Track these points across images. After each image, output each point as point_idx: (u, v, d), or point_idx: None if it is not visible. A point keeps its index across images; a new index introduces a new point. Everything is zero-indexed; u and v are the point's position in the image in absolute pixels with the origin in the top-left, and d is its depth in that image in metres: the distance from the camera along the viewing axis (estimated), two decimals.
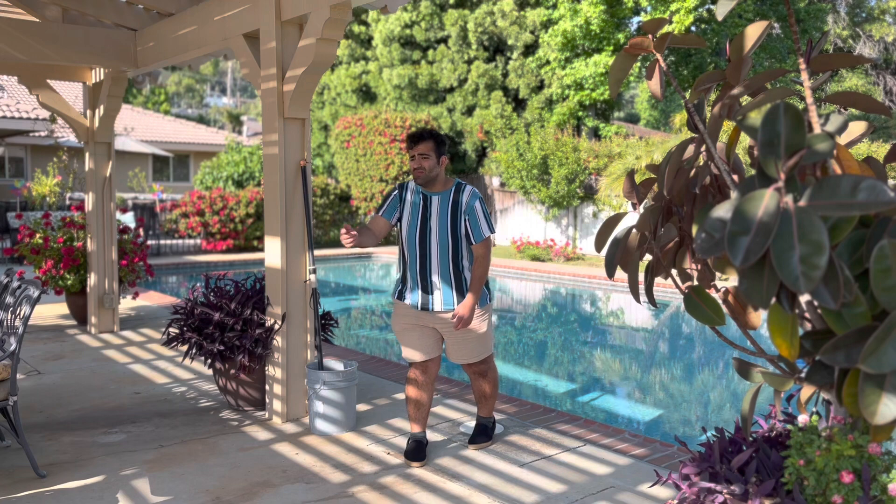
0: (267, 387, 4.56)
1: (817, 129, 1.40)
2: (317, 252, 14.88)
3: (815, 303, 1.36)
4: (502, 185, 17.74)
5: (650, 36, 1.63)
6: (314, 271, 4.48)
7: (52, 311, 8.27)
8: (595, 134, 18.75)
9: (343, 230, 3.63)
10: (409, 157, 3.76)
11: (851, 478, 1.38)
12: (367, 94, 21.49)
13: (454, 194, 3.79)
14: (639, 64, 15.30)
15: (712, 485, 1.59)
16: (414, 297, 3.83)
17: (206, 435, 4.25)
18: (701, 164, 1.66)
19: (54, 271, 7.18)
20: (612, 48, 17.10)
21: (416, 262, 3.80)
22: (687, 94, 1.63)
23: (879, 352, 1.18)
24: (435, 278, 3.78)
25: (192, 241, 16.19)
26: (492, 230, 3.80)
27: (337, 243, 17.57)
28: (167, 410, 4.73)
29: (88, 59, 6.09)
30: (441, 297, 3.79)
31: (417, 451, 3.84)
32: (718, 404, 6.52)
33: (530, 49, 18.70)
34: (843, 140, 1.55)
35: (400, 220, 3.88)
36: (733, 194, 1.36)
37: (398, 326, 3.92)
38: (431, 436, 4.19)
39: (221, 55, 6.01)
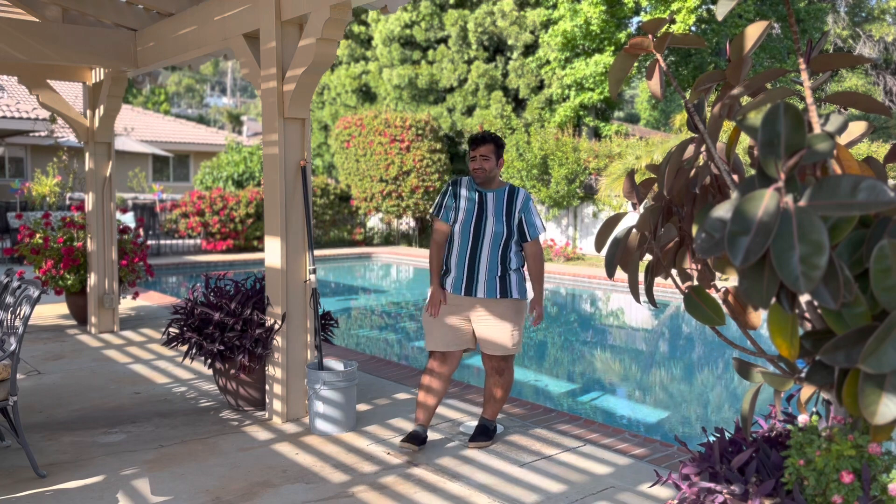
0: (267, 387, 4.56)
1: (817, 129, 1.40)
2: (317, 252, 14.88)
3: (815, 303, 1.36)
4: None
5: (650, 36, 1.63)
6: (314, 271, 4.48)
7: (52, 311, 8.27)
8: (595, 133, 18.75)
9: (427, 309, 3.99)
10: (471, 157, 3.99)
11: (851, 478, 1.38)
12: (367, 94, 21.49)
13: (508, 193, 4.00)
14: (639, 64, 15.30)
15: (712, 485, 1.59)
16: (458, 283, 3.97)
17: (206, 435, 4.25)
18: (701, 164, 1.66)
19: (54, 271, 7.18)
20: (612, 48, 17.10)
21: (468, 250, 3.95)
22: (687, 94, 1.63)
23: (879, 352, 1.18)
24: (483, 267, 3.93)
25: (192, 242, 16.19)
26: (544, 229, 4.05)
27: (337, 243, 17.58)
28: (167, 410, 4.73)
29: (88, 59, 6.09)
30: (485, 286, 3.94)
31: (414, 436, 3.96)
32: (718, 404, 6.52)
33: (530, 49, 18.70)
34: (843, 140, 1.55)
35: (455, 213, 4.02)
36: (733, 194, 1.36)
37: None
38: (431, 435, 4.19)
39: (221, 55, 6.01)
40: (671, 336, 9.74)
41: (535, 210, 4.01)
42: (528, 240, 3.99)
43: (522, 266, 4.07)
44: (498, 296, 3.93)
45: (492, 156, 3.95)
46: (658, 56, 1.63)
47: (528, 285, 4.11)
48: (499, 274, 3.94)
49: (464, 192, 4.02)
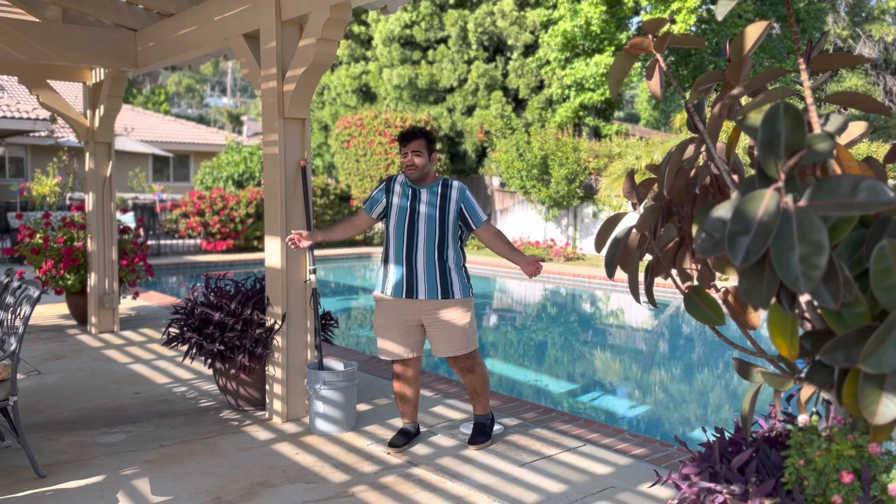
0: (267, 387, 4.56)
1: (817, 129, 1.40)
2: (317, 252, 14.83)
3: (815, 303, 1.36)
4: (502, 185, 17.73)
5: (650, 36, 1.63)
6: (314, 271, 4.48)
7: (52, 311, 8.27)
8: (595, 133, 18.75)
9: (288, 237, 3.99)
10: (402, 154, 3.89)
11: (851, 478, 1.38)
12: (367, 94, 21.48)
13: (442, 187, 3.93)
14: (639, 64, 15.30)
15: (712, 485, 1.59)
16: (399, 287, 3.91)
17: (206, 435, 4.25)
18: (701, 164, 1.66)
19: (54, 271, 7.18)
20: (612, 48, 17.10)
21: (403, 250, 3.89)
22: (687, 94, 1.63)
23: (879, 352, 1.18)
24: (420, 266, 3.86)
25: (192, 242, 16.19)
26: (486, 216, 3.98)
27: (337, 243, 17.56)
28: (167, 410, 4.73)
29: (88, 59, 6.09)
30: (425, 286, 3.87)
31: (397, 436, 4.03)
32: (718, 404, 6.52)
33: (530, 49, 18.69)
34: (843, 140, 1.55)
35: (387, 213, 3.99)
36: (733, 194, 1.36)
37: (380, 321, 4.00)
38: (432, 436, 4.19)
39: (221, 55, 6.01)
40: (671, 336, 9.74)
41: (473, 199, 3.93)
42: (475, 227, 3.91)
43: (464, 262, 3.98)
44: (440, 297, 3.85)
45: (424, 151, 3.84)
46: (658, 56, 1.63)
47: (468, 280, 3.98)
48: (437, 273, 3.85)
49: (397, 189, 3.95)
